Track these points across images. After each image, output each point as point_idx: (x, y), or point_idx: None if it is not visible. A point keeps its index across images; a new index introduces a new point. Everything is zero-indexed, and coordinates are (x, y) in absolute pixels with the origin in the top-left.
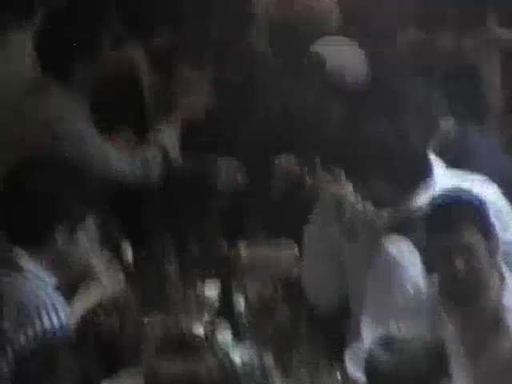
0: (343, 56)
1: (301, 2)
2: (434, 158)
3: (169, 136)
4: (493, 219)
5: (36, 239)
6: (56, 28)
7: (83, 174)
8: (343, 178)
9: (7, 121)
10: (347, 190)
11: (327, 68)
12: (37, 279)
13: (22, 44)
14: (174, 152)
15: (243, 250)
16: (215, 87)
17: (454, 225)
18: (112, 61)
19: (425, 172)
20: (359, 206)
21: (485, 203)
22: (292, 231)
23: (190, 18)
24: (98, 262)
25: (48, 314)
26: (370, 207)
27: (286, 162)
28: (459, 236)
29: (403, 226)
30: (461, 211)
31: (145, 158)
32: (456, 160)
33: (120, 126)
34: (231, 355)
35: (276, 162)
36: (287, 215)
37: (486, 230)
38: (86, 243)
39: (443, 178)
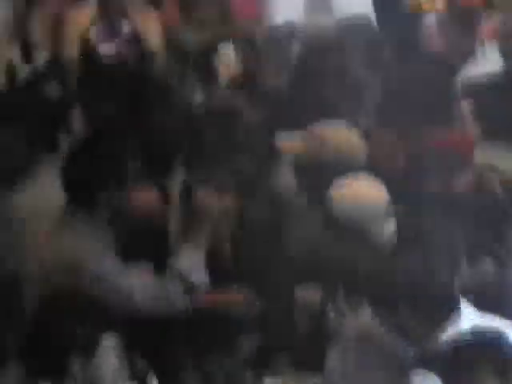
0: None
1: (328, 141)
2: (461, 296)
3: (193, 264)
4: None
5: (56, 370)
6: (80, 160)
7: (102, 305)
8: (369, 310)
9: (30, 255)
10: (372, 322)
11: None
12: None
13: (51, 176)
14: (199, 279)
15: None
16: (237, 219)
17: (474, 364)
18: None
19: (452, 309)
20: (384, 339)
21: (510, 344)
22: (316, 364)
23: (216, 151)
24: None
25: None
26: (395, 340)
27: (308, 293)
28: (477, 376)
29: (428, 361)
30: (483, 351)
31: (167, 291)
32: (493, 301)
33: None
34: None
35: (298, 293)
36: (310, 347)
37: (506, 371)
38: (107, 372)
39: (469, 316)
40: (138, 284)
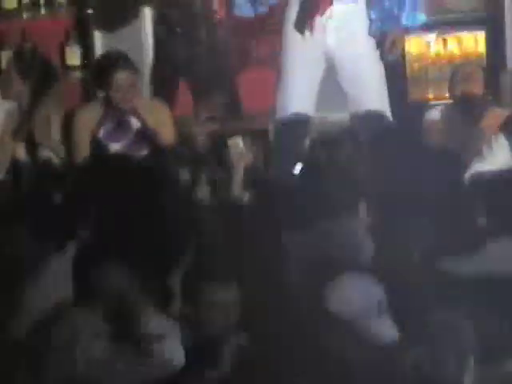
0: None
1: (334, 237)
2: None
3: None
4: None
5: None
6: (88, 256)
7: None
8: None
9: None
10: None
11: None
12: None
13: (62, 269)
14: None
15: None
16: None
17: None
18: None
19: None
20: None
21: None
22: None
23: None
24: None
25: None
26: None
27: None
28: None
29: None
30: None
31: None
32: None
33: None
34: None
35: None
36: None
37: None
38: None
39: None
40: (127, 361)
